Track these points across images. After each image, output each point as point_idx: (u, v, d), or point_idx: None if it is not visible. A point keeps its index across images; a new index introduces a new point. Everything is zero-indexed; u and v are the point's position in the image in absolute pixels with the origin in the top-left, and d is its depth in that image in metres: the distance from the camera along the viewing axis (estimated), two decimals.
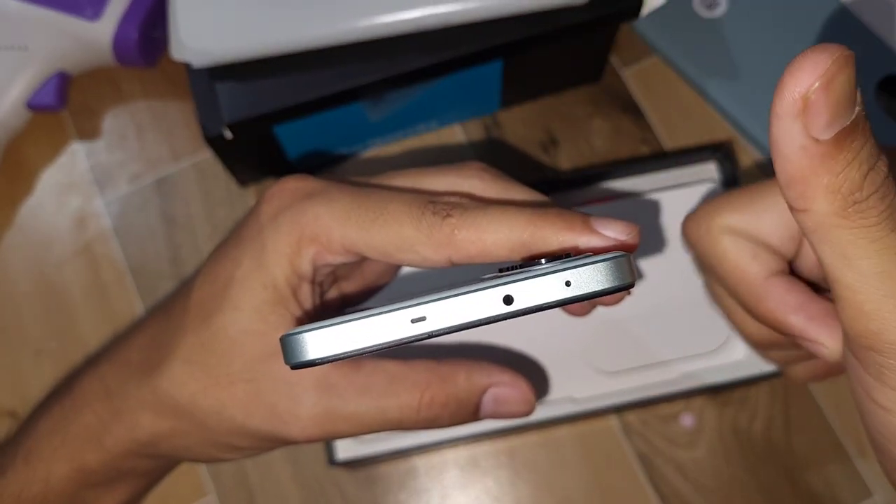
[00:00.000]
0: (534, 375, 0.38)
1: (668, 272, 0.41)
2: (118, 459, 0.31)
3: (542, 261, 0.23)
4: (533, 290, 0.22)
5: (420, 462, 0.40)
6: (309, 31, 0.34)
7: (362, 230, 0.26)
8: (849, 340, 0.22)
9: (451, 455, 0.40)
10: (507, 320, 0.22)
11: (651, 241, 0.41)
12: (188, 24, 0.34)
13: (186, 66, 0.36)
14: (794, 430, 0.40)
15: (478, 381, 0.29)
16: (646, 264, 0.41)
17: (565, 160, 0.44)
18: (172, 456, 0.32)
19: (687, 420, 0.40)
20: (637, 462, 0.40)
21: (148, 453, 0.31)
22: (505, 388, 0.29)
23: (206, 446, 0.30)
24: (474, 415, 0.30)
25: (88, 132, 0.46)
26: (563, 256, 0.24)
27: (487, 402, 0.29)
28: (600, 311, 0.40)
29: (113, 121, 0.46)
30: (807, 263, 0.31)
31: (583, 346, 0.39)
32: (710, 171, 0.39)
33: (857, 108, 0.19)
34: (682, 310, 0.40)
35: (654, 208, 0.40)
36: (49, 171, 0.45)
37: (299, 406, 0.28)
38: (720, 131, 0.44)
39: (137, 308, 0.43)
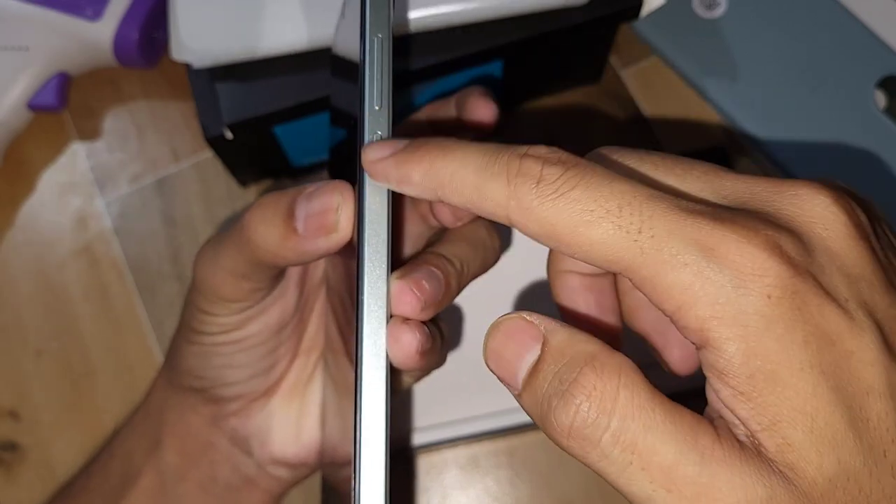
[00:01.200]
0: None
1: None
2: None
3: None
4: None
5: (420, 461, 0.40)
6: (309, 32, 0.34)
7: None
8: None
9: (451, 454, 0.40)
10: None
11: None
12: (188, 25, 0.34)
13: (187, 67, 0.36)
14: None
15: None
16: None
17: None
18: None
19: None
20: None
21: None
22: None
23: None
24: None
25: (89, 132, 0.46)
26: None
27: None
28: None
29: (113, 121, 0.46)
30: None
31: None
32: None
33: None
34: None
35: None
36: (50, 171, 0.45)
37: None
38: (719, 132, 0.44)
39: (138, 308, 0.43)
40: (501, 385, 0.38)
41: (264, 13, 0.34)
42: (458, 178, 0.20)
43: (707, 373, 0.19)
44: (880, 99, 0.41)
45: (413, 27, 0.35)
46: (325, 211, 0.24)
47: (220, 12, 0.34)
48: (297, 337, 0.32)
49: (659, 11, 0.37)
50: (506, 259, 0.39)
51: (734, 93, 0.41)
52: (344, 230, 0.24)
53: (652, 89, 0.45)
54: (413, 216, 0.28)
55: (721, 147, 0.39)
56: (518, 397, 0.21)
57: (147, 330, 0.42)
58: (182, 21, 0.34)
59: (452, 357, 0.37)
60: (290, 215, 0.25)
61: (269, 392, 0.32)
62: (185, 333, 0.30)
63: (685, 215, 0.19)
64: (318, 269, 0.32)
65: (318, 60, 0.36)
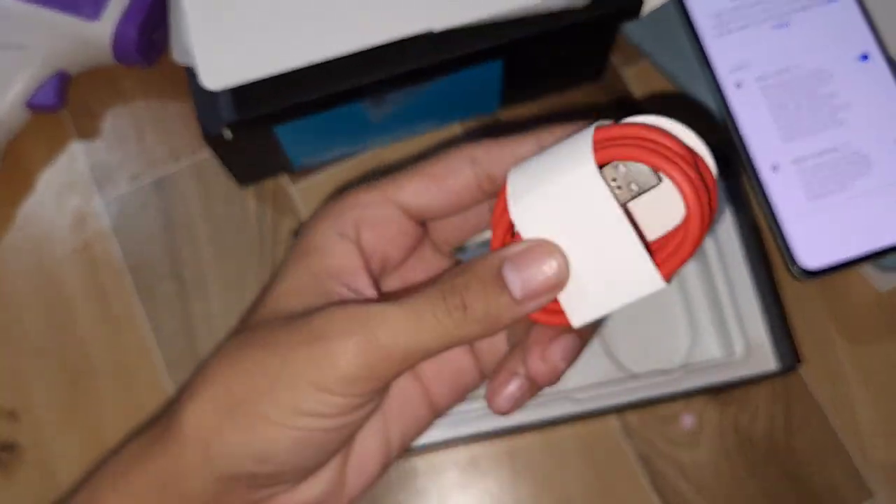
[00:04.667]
0: None
1: None
2: None
3: None
4: None
5: (419, 462, 0.40)
6: (322, 49, 0.34)
7: None
8: None
9: (450, 456, 0.40)
10: None
11: None
12: (212, 55, 0.34)
13: (186, 67, 0.36)
14: (794, 430, 0.40)
15: (491, 259, 0.25)
16: None
17: None
18: None
19: (687, 420, 0.40)
20: (638, 463, 0.40)
21: None
22: (520, 253, 0.24)
23: None
24: (509, 301, 0.24)
25: (88, 132, 0.46)
26: None
27: (510, 275, 0.24)
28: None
29: (112, 120, 0.46)
30: None
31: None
32: None
33: None
34: (680, 310, 0.40)
35: None
36: (49, 170, 0.45)
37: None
38: (720, 129, 0.44)
39: (136, 307, 0.43)
40: None
41: (277, 37, 0.34)
42: None
43: None
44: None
45: (418, 31, 0.35)
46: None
47: (241, 40, 0.34)
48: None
49: (650, 15, 0.37)
50: None
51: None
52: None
53: (653, 87, 0.45)
54: None
55: (721, 145, 0.39)
56: None
57: (145, 329, 0.42)
58: (204, 53, 0.34)
59: None
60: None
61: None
62: (273, 411, 0.25)
63: None
64: None
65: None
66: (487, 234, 0.26)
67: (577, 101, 0.45)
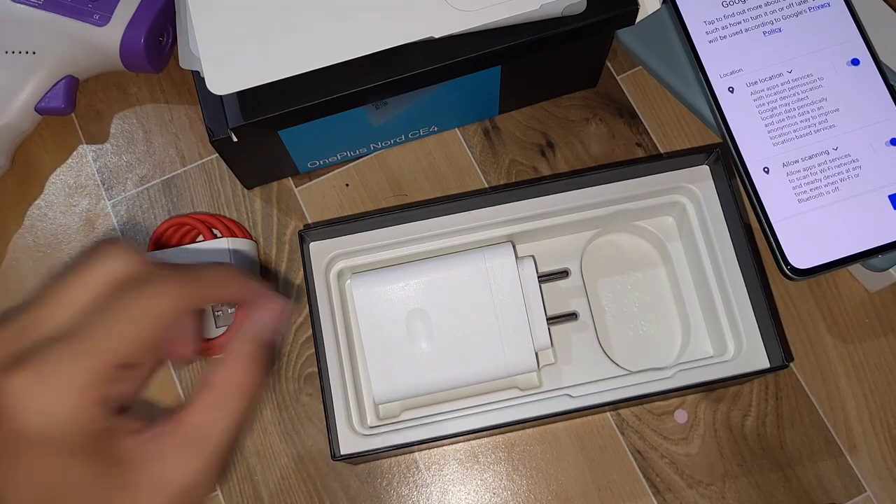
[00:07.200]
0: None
1: (664, 274, 0.42)
2: None
3: None
4: None
5: (420, 457, 0.41)
6: (326, 56, 0.35)
7: None
8: None
9: (450, 450, 0.41)
10: None
11: (647, 245, 0.42)
12: (216, 63, 0.35)
13: (193, 71, 0.37)
14: (786, 426, 0.40)
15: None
16: (642, 267, 0.42)
17: (562, 163, 0.45)
18: None
19: (681, 416, 0.41)
20: (632, 457, 0.40)
21: None
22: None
23: None
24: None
25: (96, 135, 0.47)
26: None
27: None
28: (599, 312, 0.41)
29: (120, 124, 0.47)
30: None
31: (579, 346, 0.40)
32: (703, 172, 0.40)
33: None
34: (673, 309, 0.41)
35: (648, 215, 0.41)
36: (58, 173, 0.46)
37: None
38: (714, 134, 0.45)
39: None
40: (499, 382, 0.39)
41: (288, 40, 0.35)
42: None
43: None
44: None
45: (417, 37, 0.35)
46: None
47: (247, 46, 0.35)
48: None
49: (643, 22, 0.38)
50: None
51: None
52: None
53: (647, 94, 0.46)
54: None
55: (716, 148, 0.40)
56: None
57: None
58: (210, 59, 0.35)
59: (451, 355, 0.38)
60: None
61: None
62: None
63: None
64: None
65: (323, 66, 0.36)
66: None
67: (573, 106, 0.46)
